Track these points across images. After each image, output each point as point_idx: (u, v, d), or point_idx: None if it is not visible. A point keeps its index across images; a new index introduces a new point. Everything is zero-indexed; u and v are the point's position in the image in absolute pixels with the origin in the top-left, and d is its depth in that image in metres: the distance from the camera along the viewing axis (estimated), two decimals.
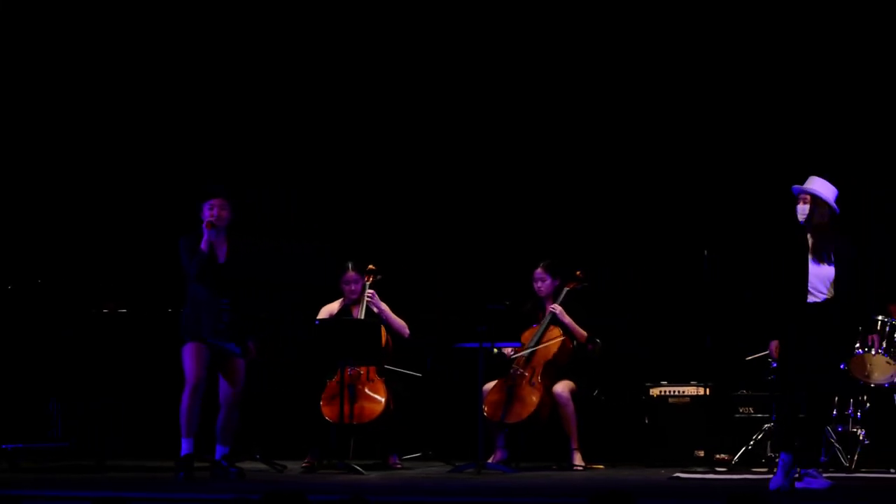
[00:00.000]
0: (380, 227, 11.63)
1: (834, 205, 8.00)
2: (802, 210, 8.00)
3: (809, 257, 7.92)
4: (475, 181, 11.68)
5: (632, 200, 11.40)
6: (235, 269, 8.66)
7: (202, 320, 8.55)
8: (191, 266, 8.57)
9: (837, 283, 7.84)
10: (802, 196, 8.01)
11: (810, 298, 7.89)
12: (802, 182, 8.07)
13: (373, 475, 9.07)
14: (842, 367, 9.55)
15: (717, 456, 9.92)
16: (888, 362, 9.59)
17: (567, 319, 9.90)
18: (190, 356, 8.53)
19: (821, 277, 7.87)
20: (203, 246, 8.55)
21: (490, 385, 9.87)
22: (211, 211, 8.58)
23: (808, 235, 7.97)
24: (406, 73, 11.72)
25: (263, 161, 11.68)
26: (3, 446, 9.62)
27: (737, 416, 10.25)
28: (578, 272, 10.06)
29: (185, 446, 8.49)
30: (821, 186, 8.02)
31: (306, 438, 9.70)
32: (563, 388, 9.76)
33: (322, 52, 11.80)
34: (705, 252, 9.91)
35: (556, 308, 9.93)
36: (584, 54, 11.45)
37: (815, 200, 7.97)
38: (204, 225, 8.56)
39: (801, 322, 7.88)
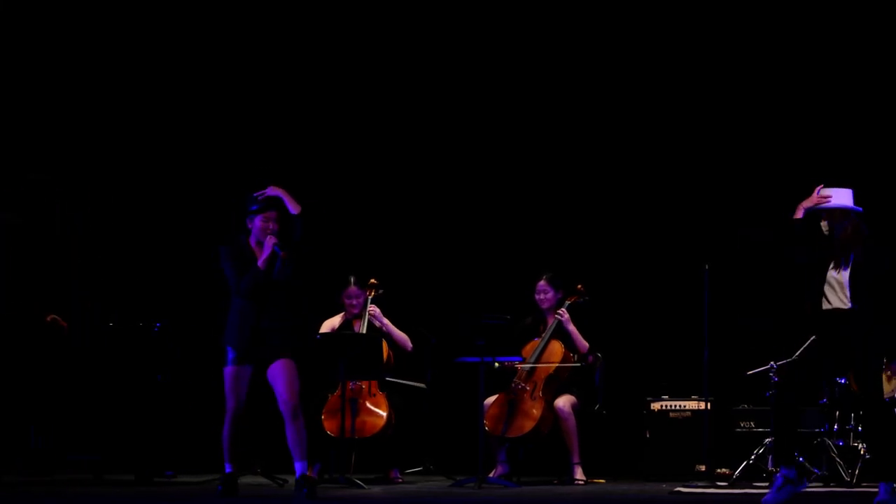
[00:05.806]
0: (381, 240, 11.65)
1: (854, 206, 7.71)
2: (825, 227, 7.76)
3: (831, 265, 7.69)
4: (476, 195, 11.70)
5: (632, 214, 11.43)
6: (284, 278, 8.31)
7: (236, 339, 8.31)
8: (242, 281, 8.26)
9: (856, 289, 7.58)
10: (823, 214, 7.75)
11: (828, 306, 7.68)
12: (804, 196, 7.87)
13: (374, 489, 9.06)
14: (842, 381, 9.56)
15: (718, 470, 9.91)
16: (889, 377, 9.58)
17: (572, 327, 9.89)
18: (225, 381, 8.35)
19: (841, 285, 7.63)
20: (260, 263, 8.25)
21: (491, 399, 9.87)
22: (267, 223, 8.30)
23: (832, 243, 7.73)
24: (409, 85, 11.76)
25: (266, 173, 11.66)
26: None
27: (738, 430, 10.26)
28: (579, 286, 10.08)
29: (227, 469, 8.40)
30: (836, 198, 7.71)
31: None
32: (564, 402, 9.76)
33: (320, 60, 11.83)
34: (706, 266, 9.91)
35: (564, 314, 9.91)
36: (587, 73, 11.52)
37: (832, 214, 7.73)
38: (266, 241, 8.26)
39: (820, 330, 7.72)
